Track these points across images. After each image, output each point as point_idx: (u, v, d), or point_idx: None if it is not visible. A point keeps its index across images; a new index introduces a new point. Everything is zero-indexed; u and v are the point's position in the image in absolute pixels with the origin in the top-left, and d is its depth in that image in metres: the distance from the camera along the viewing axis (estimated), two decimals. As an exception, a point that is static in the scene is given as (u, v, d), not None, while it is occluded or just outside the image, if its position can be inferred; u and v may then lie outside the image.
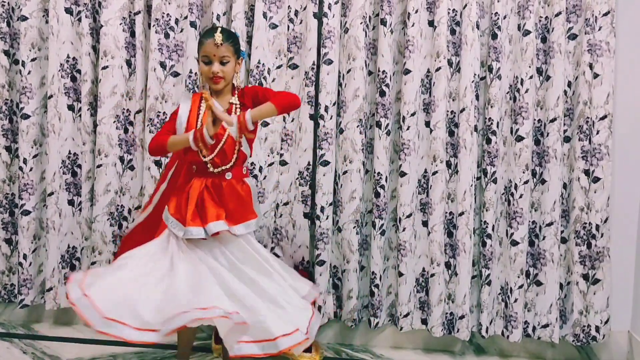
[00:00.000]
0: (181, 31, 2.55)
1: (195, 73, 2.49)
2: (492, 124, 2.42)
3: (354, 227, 2.48)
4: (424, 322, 2.53)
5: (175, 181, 2.11)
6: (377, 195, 2.47)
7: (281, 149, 2.54)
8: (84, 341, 2.55)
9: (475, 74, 2.41)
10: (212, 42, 1.95)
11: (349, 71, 2.47)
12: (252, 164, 2.49)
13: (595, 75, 2.38)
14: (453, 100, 2.47)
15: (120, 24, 2.55)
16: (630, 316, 2.49)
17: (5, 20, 2.62)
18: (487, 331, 2.46)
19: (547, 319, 2.43)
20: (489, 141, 2.43)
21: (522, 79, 2.40)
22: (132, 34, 2.59)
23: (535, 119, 2.44)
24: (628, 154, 2.45)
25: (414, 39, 2.42)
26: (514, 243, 2.42)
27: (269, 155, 2.53)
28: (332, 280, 2.56)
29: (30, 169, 2.61)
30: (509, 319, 2.43)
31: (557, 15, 2.37)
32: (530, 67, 2.39)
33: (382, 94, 2.45)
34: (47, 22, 2.60)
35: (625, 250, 2.47)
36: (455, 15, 2.45)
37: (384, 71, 2.44)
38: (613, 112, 2.39)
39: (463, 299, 2.43)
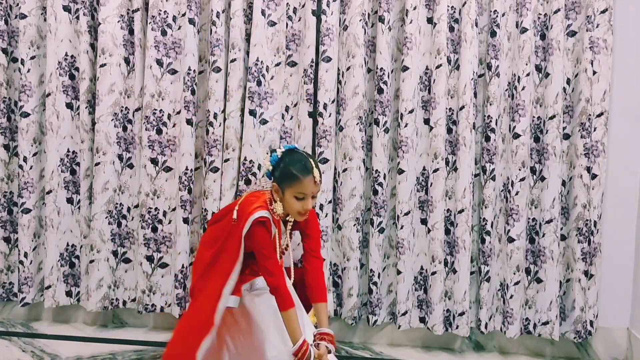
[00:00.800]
0: (179, 28, 2.54)
1: (194, 71, 2.48)
2: (491, 121, 2.42)
3: (354, 225, 2.48)
4: (422, 320, 2.53)
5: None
6: (376, 192, 2.47)
7: (280, 146, 2.53)
8: (83, 339, 2.55)
9: (474, 72, 2.41)
10: (312, 180, 1.86)
11: (348, 68, 2.47)
12: (250, 161, 2.49)
13: (594, 73, 2.39)
14: (452, 97, 2.47)
15: (119, 22, 2.55)
16: (629, 313, 2.49)
17: (3, 18, 2.62)
18: (486, 327, 2.46)
19: (547, 316, 2.43)
20: (487, 139, 2.43)
21: (519, 77, 2.40)
22: (131, 32, 2.58)
23: (534, 116, 2.45)
24: (624, 151, 2.45)
25: (412, 36, 2.42)
26: (511, 240, 2.42)
27: (268, 153, 2.53)
28: (333, 278, 2.56)
29: (30, 167, 2.60)
30: (506, 315, 2.44)
31: (555, 12, 2.37)
32: (527, 64, 2.39)
33: (381, 91, 2.45)
34: (45, 19, 2.60)
35: (623, 247, 2.47)
36: (454, 12, 2.45)
37: (382, 68, 2.44)
38: (609, 110, 2.40)
39: (463, 296, 2.44)
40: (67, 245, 2.65)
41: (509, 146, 2.45)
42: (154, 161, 2.54)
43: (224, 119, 2.50)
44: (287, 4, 2.50)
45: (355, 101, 2.45)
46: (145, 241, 2.56)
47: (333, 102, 2.47)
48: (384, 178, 2.48)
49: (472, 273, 2.51)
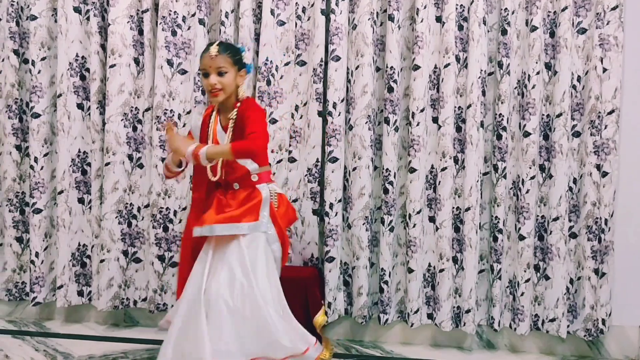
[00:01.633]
0: (189, 29, 2.55)
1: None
2: (502, 119, 2.41)
3: (364, 224, 2.49)
4: (430, 316, 2.53)
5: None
6: (386, 191, 2.47)
7: (290, 145, 2.54)
8: (96, 338, 2.57)
9: (482, 70, 2.41)
10: (208, 54, 1.97)
11: (357, 67, 2.47)
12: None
13: (604, 70, 2.37)
14: (460, 96, 2.46)
15: (128, 22, 2.56)
16: (640, 311, 2.48)
17: (15, 19, 2.64)
18: (499, 324, 2.46)
19: (554, 312, 2.43)
20: (499, 137, 2.42)
21: (529, 75, 2.39)
22: (140, 32, 2.59)
23: (543, 114, 2.44)
24: (637, 148, 2.44)
25: (423, 35, 2.42)
26: (521, 237, 2.42)
27: (277, 152, 2.54)
28: (343, 277, 2.56)
29: (41, 168, 2.62)
30: (516, 312, 2.44)
31: (564, 9, 2.36)
32: (537, 62, 2.38)
33: (390, 90, 2.45)
34: (56, 21, 2.61)
35: (637, 245, 2.45)
36: (463, 11, 2.45)
37: (392, 67, 2.44)
38: (621, 107, 2.38)
39: (469, 293, 2.44)
40: (79, 245, 2.67)
41: (519, 144, 2.45)
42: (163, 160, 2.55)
43: (234, 119, 2.51)
44: (296, 3, 2.51)
45: (364, 100, 2.46)
46: (156, 240, 2.57)
47: (342, 101, 2.47)
48: (394, 177, 2.48)
49: (482, 271, 2.51)
